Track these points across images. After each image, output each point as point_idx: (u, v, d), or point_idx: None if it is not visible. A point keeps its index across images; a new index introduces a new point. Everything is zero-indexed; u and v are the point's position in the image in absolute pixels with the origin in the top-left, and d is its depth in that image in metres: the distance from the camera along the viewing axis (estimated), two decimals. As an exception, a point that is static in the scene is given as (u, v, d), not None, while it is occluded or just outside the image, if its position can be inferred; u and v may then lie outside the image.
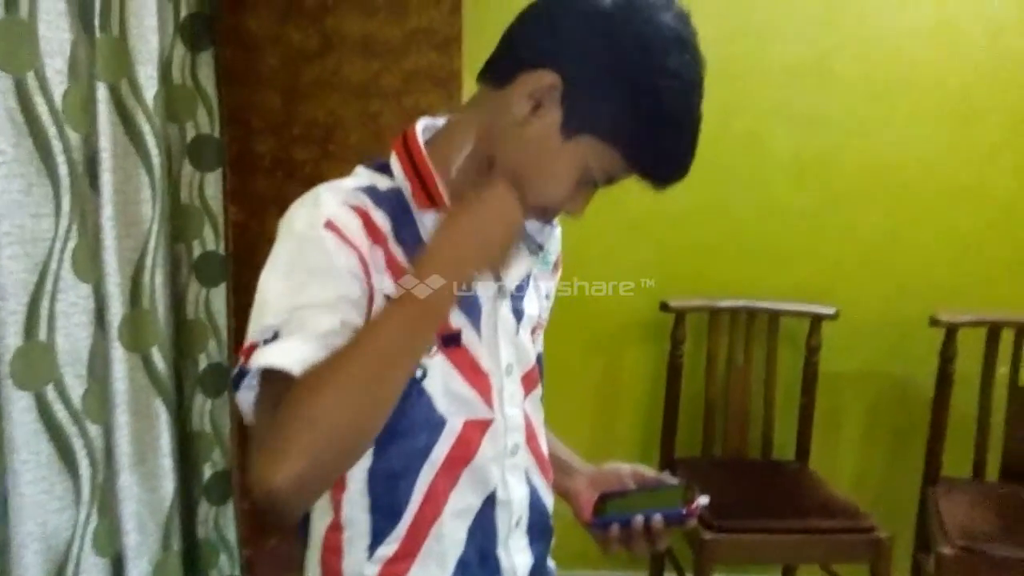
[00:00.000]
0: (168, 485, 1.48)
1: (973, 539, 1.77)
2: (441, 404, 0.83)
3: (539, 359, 0.97)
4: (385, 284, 0.79)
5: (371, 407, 0.73)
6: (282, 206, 1.74)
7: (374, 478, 0.83)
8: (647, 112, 0.79)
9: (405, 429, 0.82)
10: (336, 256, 0.76)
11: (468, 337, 0.85)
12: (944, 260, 2.17)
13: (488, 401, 0.86)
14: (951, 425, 2.03)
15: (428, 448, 0.83)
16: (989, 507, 1.92)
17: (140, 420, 1.42)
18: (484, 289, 0.86)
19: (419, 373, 0.82)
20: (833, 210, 2.15)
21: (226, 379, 1.73)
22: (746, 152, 2.07)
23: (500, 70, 0.83)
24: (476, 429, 0.86)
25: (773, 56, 2.06)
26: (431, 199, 0.83)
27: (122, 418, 1.36)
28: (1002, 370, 2.01)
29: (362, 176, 0.85)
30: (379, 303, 0.79)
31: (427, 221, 0.83)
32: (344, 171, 1.72)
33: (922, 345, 2.07)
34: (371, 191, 0.82)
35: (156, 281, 1.48)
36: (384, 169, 0.86)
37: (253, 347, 0.74)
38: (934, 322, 1.98)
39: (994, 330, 2.00)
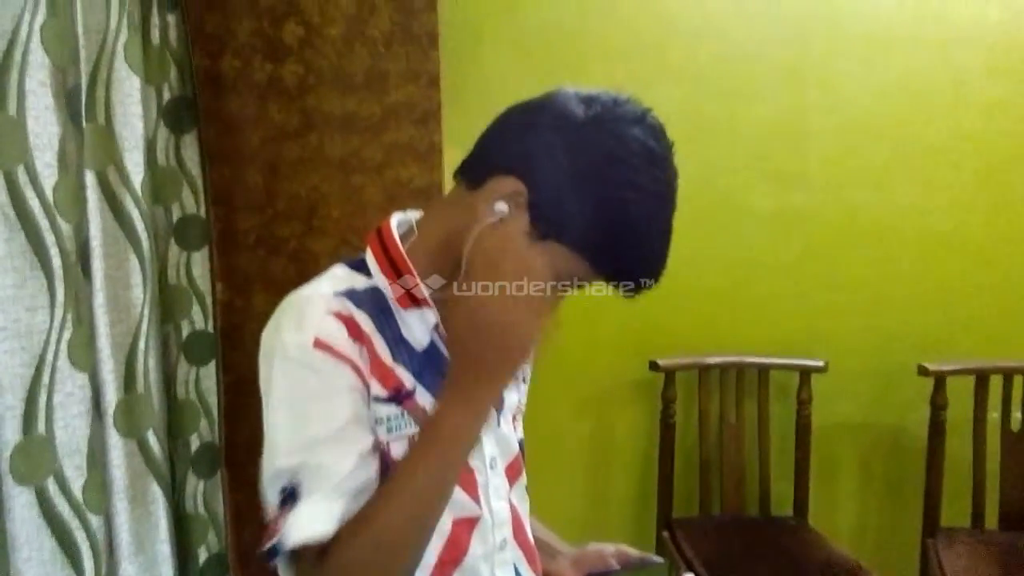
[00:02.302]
0: (167, 572, 1.51)
1: (977, 591, 1.83)
2: None
3: (521, 445, 1.01)
4: (373, 385, 0.84)
5: (415, 549, 0.79)
6: (267, 282, 1.84)
7: None
8: (612, 224, 0.82)
9: None
10: (332, 377, 0.81)
11: None
12: (928, 308, 2.27)
13: (475, 497, 0.90)
14: (947, 474, 2.10)
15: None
16: (991, 557, 1.97)
17: (138, 507, 1.46)
18: None
19: None
20: (816, 263, 2.25)
21: (219, 458, 1.78)
22: (727, 209, 2.18)
23: (472, 172, 0.88)
24: (464, 527, 0.90)
25: (748, 115, 2.17)
26: (413, 299, 0.88)
27: (120, 505, 1.40)
28: (993, 416, 2.10)
29: (340, 277, 0.89)
30: (372, 406, 0.83)
31: (408, 319, 0.88)
32: (327, 246, 1.82)
33: (912, 394, 2.16)
34: (350, 294, 0.85)
35: (149, 364, 1.53)
36: (360, 267, 0.90)
37: (277, 519, 0.77)
38: (922, 371, 2.07)
39: (982, 377, 2.09)
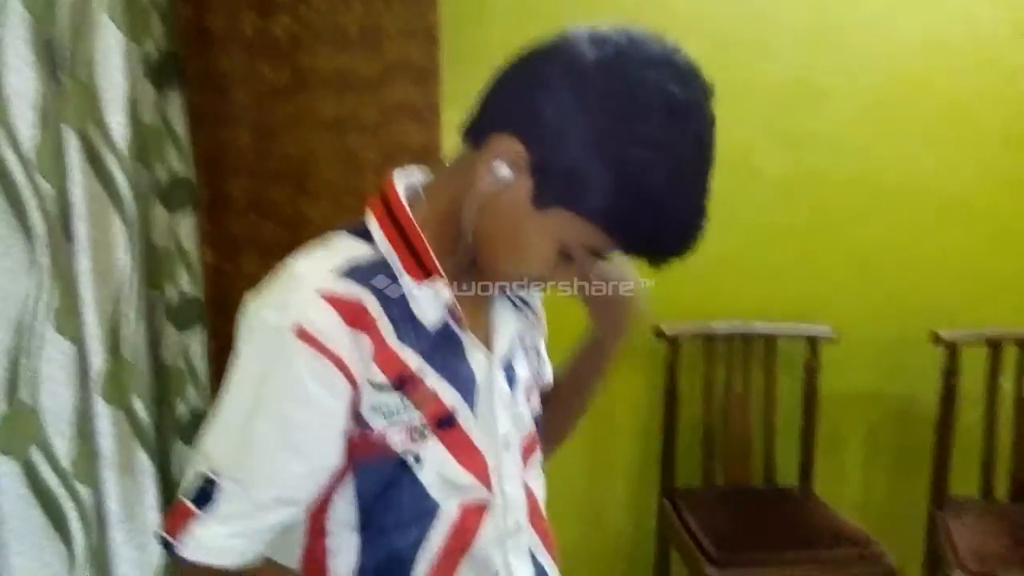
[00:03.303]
0: (157, 542, 1.51)
1: (986, 564, 1.84)
2: (434, 491, 0.83)
3: (537, 422, 0.99)
4: (372, 373, 0.79)
5: None
6: (258, 247, 1.82)
7: None
8: (626, 188, 0.73)
9: (393, 523, 0.83)
10: (305, 373, 0.75)
11: (463, 415, 0.85)
12: (943, 276, 2.26)
13: (485, 481, 0.87)
14: (957, 444, 2.11)
15: (420, 540, 0.84)
16: (1001, 529, 1.99)
17: (125, 475, 1.46)
18: (476, 361, 0.87)
19: (412, 461, 0.82)
20: (827, 229, 2.23)
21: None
22: (736, 173, 2.15)
23: (474, 131, 0.81)
24: (474, 513, 0.86)
25: (760, 75, 2.14)
26: (425, 273, 0.82)
27: (108, 474, 1.40)
28: (1006, 386, 2.10)
29: (339, 248, 0.82)
30: (367, 395, 0.79)
31: (419, 295, 0.82)
32: (321, 210, 1.80)
33: (923, 363, 2.16)
34: (351, 270, 0.79)
35: (135, 329, 1.52)
36: (362, 234, 0.83)
37: (181, 517, 0.77)
38: (936, 340, 2.07)
39: (996, 346, 2.09)
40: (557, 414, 1.07)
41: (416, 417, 0.82)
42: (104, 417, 1.43)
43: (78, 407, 1.27)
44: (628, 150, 0.73)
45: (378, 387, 0.80)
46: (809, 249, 2.24)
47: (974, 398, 2.10)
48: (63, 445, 1.23)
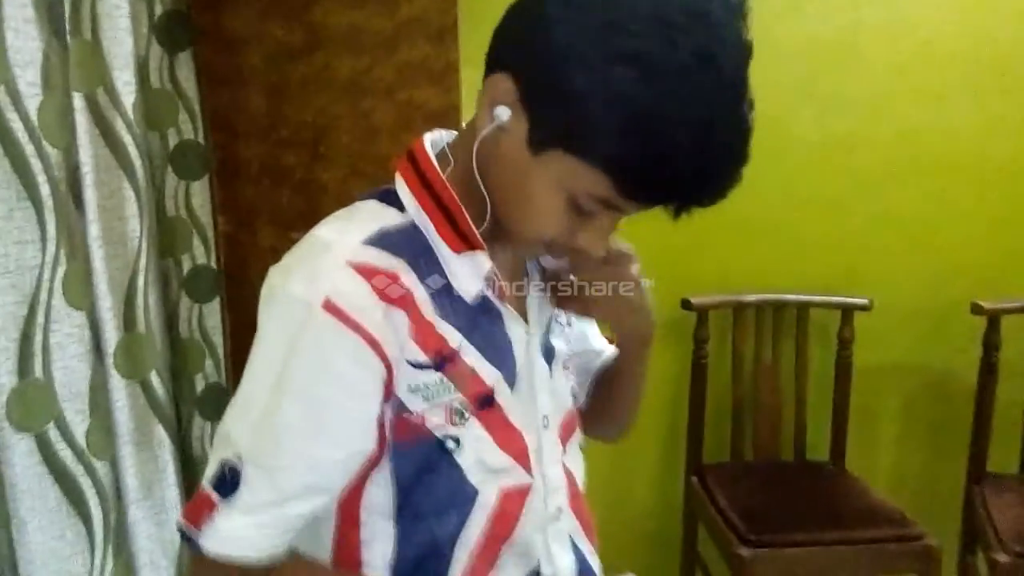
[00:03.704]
0: (176, 516, 1.51)
1: (1029, 543, 1.80)
2: (473, 475, 0.79)
3: (575, 396, 0.96)
4: (410, 351, 0.74)
5: None
6: (272, 214, 1.79)
7: (400, 568, 0.80)
8: (613, 116, 0.65)
9: (431, 509, 0.79)
10: (334, 350, 0.71)
11: (501, 394, 0.81)
12: (983, 243, 2.20)
13: (525, 463, 0.83)
14: (996, 418, 2.06)
15: (459, 527, 0.80)
16: (1042, 506, 1.95)
17: (143, 451, 1.45)
18: (516, 336, 0.83)
19: (451, 444, 0.78)
20: (862, 194, 2.18)
21: (226, 399, 1.77)
22: (767, 136, 2.04)
23: (484, 78, 0.75)
24: (514, 498, 0.83)
25: (792, 34, 2.08)
26: (464, 241, 0.78)
27: (126, 450, 1.38)
28: (1049, 357, 2.06)
29: (368, 215, 0.78)
30: (403, 375, 0.75)
31: (456, 265, 0.78)
32: (337, 175, 1.76)
33: (962, 334, 2.12)
34: (381, 238, 0.75)
35: (149, 301, 1.50)
36: (391, 199, 0.80)
37: (204, 505, 0.73)
38: (975, 309, 2.02)
39: (1039, 315, 2.04)
40: (615, 400, 1.06)
41: (456, 398, 0.78)
42: (120, 391, 1.42)
43: (93, 381, 1.25)
44: (611, 71, 0.64)
45: (416, 366, 0.75)
46: (843, 216, 2.19)
47: (1015, 370, 2.05)
48: (78, 420, 1.21)
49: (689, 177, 0.67)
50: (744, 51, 0.67)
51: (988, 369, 2.05)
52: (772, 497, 2.00)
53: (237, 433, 0.73)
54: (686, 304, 2.10)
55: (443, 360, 0.77)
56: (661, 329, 2.28)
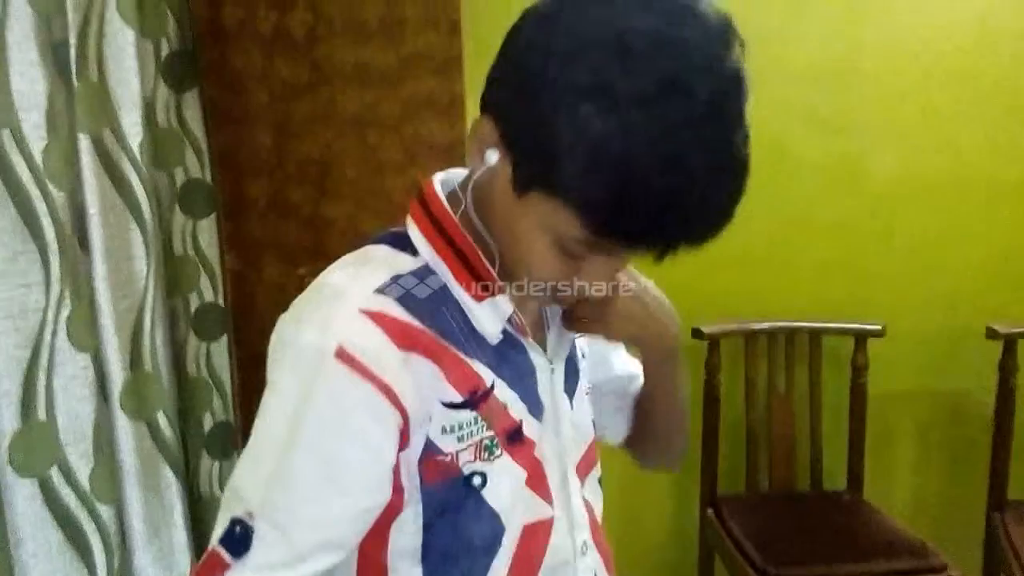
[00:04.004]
0: (184, 561, 1.48)
1: (1052, 570, 1.76)
2: (502, 512, 0.77)
3: (593, 424, 0.93)
4: (444, 392, 0.72)
5: None
6: (279, 251, 1.78)
7: None
8: (577, 151, 0.60)
9: (459, 549, 0.77)
10: (348, 401, 0.68)
11: (529, 427, 0.80)
12: (996, 265, 2.17)
13: (547, 497, 0.81)
14: (1015, 444, 2.02)
15: (487, 566, 0.77)
16: (1065, 532, 1.91)
17: (150, 493, 1.42)
18: (540, 369, 0.82)
19: (478, 481, 0.76)
20: (870, 218, 2.16)
21: (234, 439, 1.74)
22: (773, 161, 2.08)
23: None
24: (539, 533, 0.80)
25: (796, 58, 2.07)
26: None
27: (132, 492, 1.36)
28: (1067, 380, 2.02)
29: (378, 262, 0.75)
30: (437, 417, 0.73)
31: (479, 312, 0.76)
32: (344, 211, 1.75)
33: (978, 359, 2.08)
34: (395, 286, 0.73)
35: (156, 341, 1.49)
36: (403, 243, 0.77)
37: (215, 567, 0.69)
38: (991, 333, 1.98)
39: (1056, 338, 2.00)
40: (655, 424, 1.01)
41: (488, 435, 0.76)
42: (126, 432, 1.40)
43: (97, 423, 1.23)
44: (577, 107, 0.59)
45: (451, 406, 0.73)
46: (853, 241, 2.17)
47: (1033, 394, 2.01)
48: (82, 463, 1.19)
49: (661, 217, 0.62)
50: (729, 78, 0.62)
51: (1006, 394, 2.01)
52: (789, 528, 1.96)
53: (248, 489, 0.70)
54: (697, 333, 2.07)
55: (478, 397, 0.75)
56: (672, 359, 2.24)
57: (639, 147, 0.59)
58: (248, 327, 1.73)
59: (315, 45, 1.68)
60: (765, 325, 2.10)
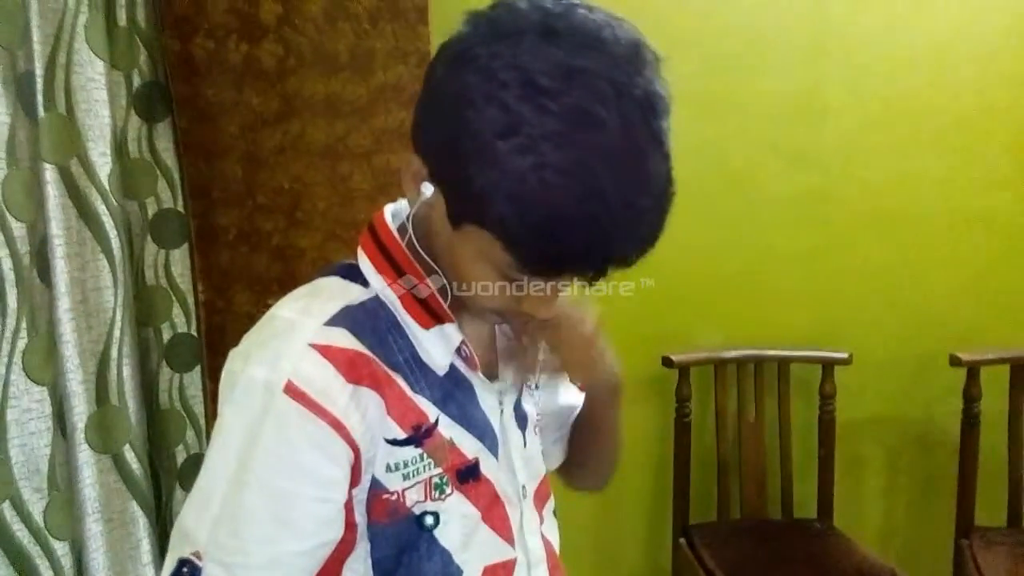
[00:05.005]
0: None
1: (1018, 595, 1.74)
2: (457, 554, 0.75)
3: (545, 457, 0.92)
4: (387, 428, 0.70)
5: None
6: (249, 280, 1.74)
7: None
8: (492, 184, 0.60)
9: None
10: (298, 436, 0.66)
11: (486, 465, 0.78)
12: (959, 294, 2.17)
13: (508, 537, 0.79)
14: (981, 470, 2.00)
15: None
16: (1032, 558, 1.88)
17: (115, 529, 1.37)
18: (489, 406, 0.79)
19: (430, 521, 0.73)
20: (834, 247, 2.15)
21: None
22: (740, 192, 2.07)
23: None
24: (498, 574, 0.78)
25: (761, 89, 2.07)
26: (433, 316, 0.74)
27: (94, 528, 1.31)
28: (1030, 408, 2.00)
29: (328, 294, 0.74)
30: (382, 454, 0.70)
31: (426, 340, 0.74)
32: (314, 241, 1.72)
33: (943, 386, 2.06)
34: (345, 317, 0.71)
35: (124, 373, 1.45)
36: (353, 275, 0.76)
37: None
38: (954, 361, 1.97)
39: (1018, 367, 1.99)
40: (594, 451, 1.01)
41: (436, 473, 0.73)
42: (89, 466, 1.35)
43: (53, 457, 1.18)
44: (494, 146, 0.59)
45: (394, 443, 0.71)
46: (818, 270, 2.15)
47: (997, 421, 1.99)
48: (35, 498, 1.14)
49: (585, 245, 0.62)
50: (639, 102, 0.61)
51: (970, 421, 1.99)
52: (761, 556, 1.93)
53: (195, 529, 0.67)
54: (667, 362, 2.04)
55: (421, 434, 0.73)
56: (642, 387, 2.23)
57: (556, 181, 0.59)
58: (219, 358, 1.67)
59: (286, 77, 1.66)
60: (734, 354, 2.08)
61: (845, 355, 2.06)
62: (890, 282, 2.16)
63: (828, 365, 2.07)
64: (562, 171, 0.59)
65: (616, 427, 0.99)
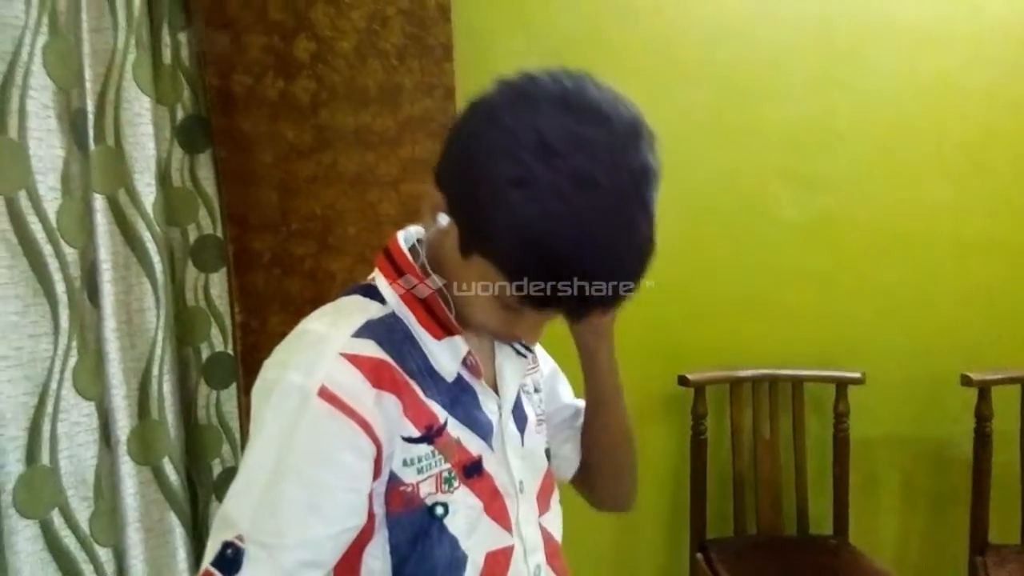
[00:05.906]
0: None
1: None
2: (463, 540, 0.81)
3: (547, 455, 0.97)
4: (404, 428, 0.77)
5: None
6: (283, 302, 1.79)
7: None
8: (503, 229, 0.69)
9: (425, 575, 0.80)
10: (331, 435, 0.73)
11: (488, 462, 0.85)
12: (970, 314, 2.16)
13: (507, 525, 0.86)
14: (994, 488, 1.98)
15: None
16: (1046, 575, 1.86)
17: (153, 537, 1.41)
18: (490, 410, 0.86)
19: (440, 510, 0.80)
20: (848, 270, 2.15)
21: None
22: (753, 216, 2.09)
23: None
24: (499, 560, 0.84)
25: (773, 118, 2.09)
26: (444, 329, 0.81)
27: (135, 536, 1.35)
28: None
29: (352, 309, 0.81)
30: (399, 451, 0.77)
31: (437, 349, 0.81)
32: (344, 264, 1.76)
33: (955, 405, 2.05)
34: (368, 330, 0.78)
35: (164, 389, 1.49)
36: (372, 293, 0.83)
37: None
38: (965, 381, 1.96)
39: (1030, 385, 1.98)
40: (601, 453, 1.04)
41: (446, 468, 0.81)
42: (131, 478, 1.40)
43: (99, 468, 1.23)
44: (506, 193, 0.68)
45: (410, 440, 0.78)
46: (830, 292, 2.16)
47: (1010, 439, 1.98)
48: (82, 507, 1.19)
49: (576, 287, 0.70)
50: (632, 172, 0.69)
51: (982, 440, 1.98)
52: (777, 572, 1.92)
53: (238, 515, 0.73)
54: (683, 380, 2.05)
55: (433, 433, 0.80)
56: (659, 405, 2.25)
57: (556, 230, 0.67)
58: (254, 376, 1.72)
59: (318, 110, 1.71)
60: (749, 373, 2.08)
61: (858, 374, 2.07)
62: (901, 303, 2.16)
63: (842, 384, 2.07)
64: (563, 223, 0.67)
65: (623, 417, 1.02)
